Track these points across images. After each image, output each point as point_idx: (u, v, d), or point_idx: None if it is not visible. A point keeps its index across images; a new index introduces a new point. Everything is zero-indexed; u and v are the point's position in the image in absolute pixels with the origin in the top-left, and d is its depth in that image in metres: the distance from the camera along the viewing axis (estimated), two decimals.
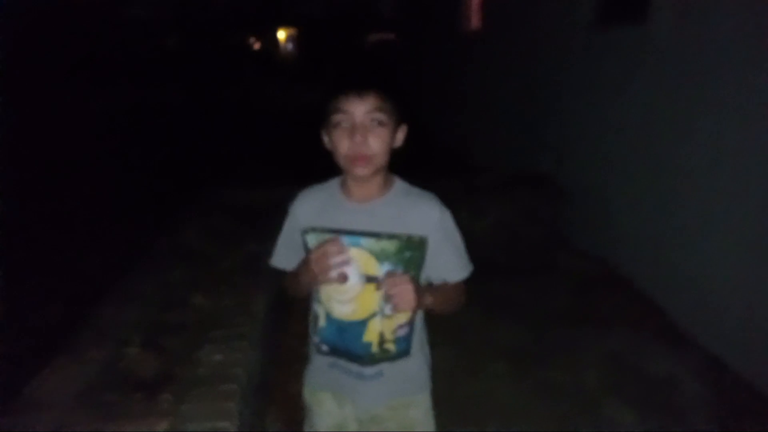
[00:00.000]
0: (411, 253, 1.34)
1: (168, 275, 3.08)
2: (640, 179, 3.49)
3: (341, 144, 1.30)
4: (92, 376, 2.19)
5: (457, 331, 2.88)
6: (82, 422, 1.94)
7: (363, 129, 1.28)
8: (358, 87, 1.29)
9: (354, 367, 1.42)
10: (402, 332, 1.41)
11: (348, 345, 1.38)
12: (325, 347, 1.44)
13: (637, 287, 3.52)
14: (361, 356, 1.39)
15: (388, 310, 1.33)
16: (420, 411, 1.53)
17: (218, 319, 2.52)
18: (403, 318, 1.38)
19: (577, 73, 4.17)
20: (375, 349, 1.39)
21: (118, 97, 12.75)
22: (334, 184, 1.44)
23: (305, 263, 1.35)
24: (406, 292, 1.27)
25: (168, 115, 11.33)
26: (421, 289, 1.34)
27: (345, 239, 1.33)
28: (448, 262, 1.42)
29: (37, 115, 9.68)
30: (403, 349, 1.43)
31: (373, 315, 1.36)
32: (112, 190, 6.21)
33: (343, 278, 1.32)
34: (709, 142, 2.84)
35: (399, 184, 1.43)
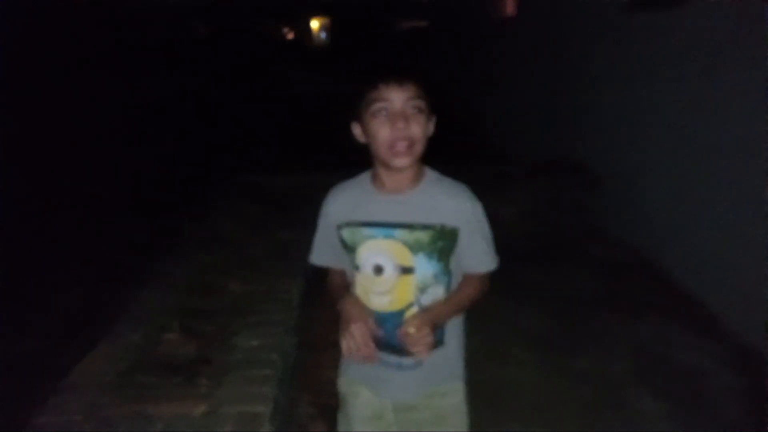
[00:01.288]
0: (444, 242, 1.36)
1: (200, 261, 3.15)
2: (672, 165, 3.44)
3: (381, 132, 1.30)
4: (132, 360, 2.27)
5: (484, 318, 2.86)
6: (120, 404, 2.03)
7: (404, 116, 1.29)
8: (398, 75, 1.30)
9: (393, 358, 1.44)
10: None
11: (385, 336, 1.40)
12: None
13: (668, 275, 3.47)
14: (400, 348, 1.41)
15: (410, 360, 1.41)
16: (455, 399, 1.55)
17: (252, 304, 2.58)
18: None
19: (609, 58, 4.11)
20: None
21: (149, 83, 12.90)
22: (364, 177, 1.46)
23: (342, 318, 1.38)
24: (426, 344, 1.32)
25: (199, 102, 11.43)
26: (438, 317, 1.38)
27: (378, 231, 1.36)
28: (478, 253, 1.43)
29: (69, 102, 9.86)
30: (438, 339, 1.44)
31: (409, 305, 1.39)
32: (144, 177, 6.31)
33: (379, 270, 1.35)
34: (745, 127, 2.78)
35: (430, 174, 1.44)
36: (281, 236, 3.37)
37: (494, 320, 3.04)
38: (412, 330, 1.31)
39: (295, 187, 4.11)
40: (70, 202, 5.43)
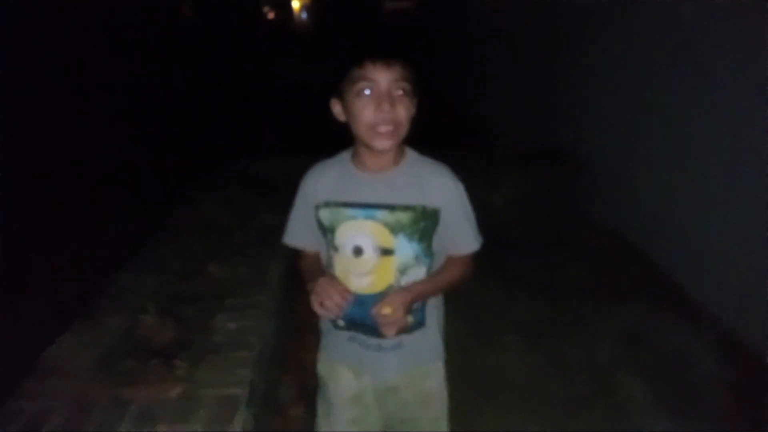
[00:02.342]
0: (425, 223, 1.33)
1: (185, 245, 3.11)
2: (660, 153, 3.42)
3: (364, 113, 1.25)
4: (109, 343, 2.24)
5: (472, 305, 2.86)
6: (98, 388, 1.99)
7: (390, 97, 1.24)
8: (387, 55, 1.25)
9: (372, 339, 1.41)
10: (417, 304, 1.40)
11: (366, 318, 1.37)
12: (341, 322, 1.44)
13: (655, 262, 3.46)
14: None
15: (390, 342, 1.39)
16: (436, 380, 1.54)
17: (233, 288, 2.55)
18: None
19: (599, 45, 4.07)
20: None
21: (133, 68, 12.73)
22: (344, 157, 1.42)
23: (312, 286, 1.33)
24: (398, 324, 1.30)
25: (184, 87, 11.32)
26: (416, 297, 1.35)
27: (359, 212, 1.32)
28: (462, 234, 1.41)
29: (52, 87, 9.74)
30: (419, 320, 1.43)
31: (389, 287, 1.36)
32: (130, 162, 6.25)
33: (358, 252, 1.32)
34: (736, 118, 2.76)
35: (411, 154, 1.40)
36: (267, 221, 3.34)
37: (484, 307, 3.04)
38: (387, 310, 1.27)
39: (282, 172, 4.02)
40: (57, 188, 5.37)
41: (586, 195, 4.24)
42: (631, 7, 3.69)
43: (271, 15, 28.16)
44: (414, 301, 1.34)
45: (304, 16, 28.25)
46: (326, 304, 1.26)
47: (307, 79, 11.38)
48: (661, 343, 2.74)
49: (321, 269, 1.45)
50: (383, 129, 1.25)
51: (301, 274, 1.52)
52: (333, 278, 1.35)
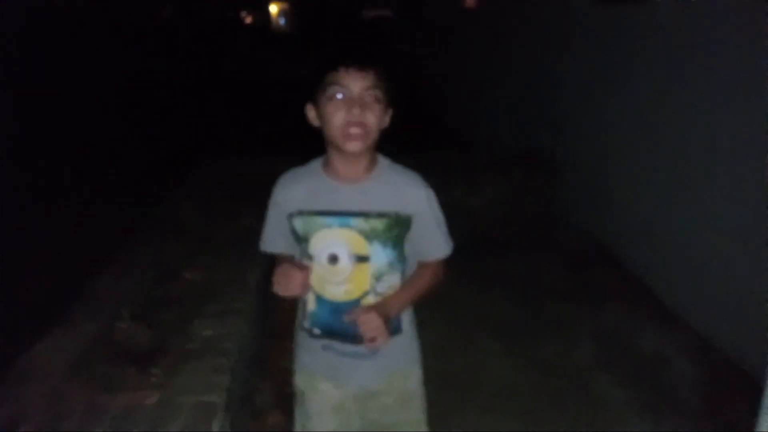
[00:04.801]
0: (398, 230, 1.35)
1: (162, 248, 3.08)
2: (636, 159, 3.48)
3: (336, 116, 1.26)
4: (85, 348, 2.21)
5: (450, 306, 2.89)
6: (74, 393, 1.97)
7: (361, 103, 1.26)
8: (361, 62, 1.27)
9: (349, 347, 1.41)
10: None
11: (342, 325, 1.38)
12: (317, 330, 1.44)
13: (628, 266, 3.53)
14: (357, 335, 1.38)
15: (366, 348, 1.37)
16: (414, 382, 1.55)
17: (211, 292, 2.53)
18: None
19: (577, 51, 4.12)
20: None
21: (110, 68, 12.52)
22: (315, 165, 1.42)
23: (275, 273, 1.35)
24: (380, 330, 1.30)
25: (162, 87, 11.18)
26: (392, 310, 1.37)
27: (334, 220, 1.33)
28: (434, 239, 1.42)
29: (31, 88, 9.56)
30: (396, 326, 1.44)
31: (365, 294, 1.37)
32: (106, 162, 6.15)
33: (334, 260, 1.33)
34: (709, 124, 2.82)
35: (383, 161, 1.41)
36: (244, 223, 3.32)
37: (461, 308, 3.06)
38: (363, 319, 1.30)
39: (260, 174, 4.01)
40: (30, 188, 5.26)
41: (564, 198, 4.30)
42: (607, 14, 3.75)
43: (248, 19, 27.89)
44: (389, 314, 1.35)
45: (281, 21, 28.03)
46: (289, 287, 1.30)
47: (282, 81, 11.35)
48: (636, 344, 2.79)
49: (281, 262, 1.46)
50: (353, 131, 1.26)
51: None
52: (292, 261, 1.38)
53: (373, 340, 1.31)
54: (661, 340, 2.80)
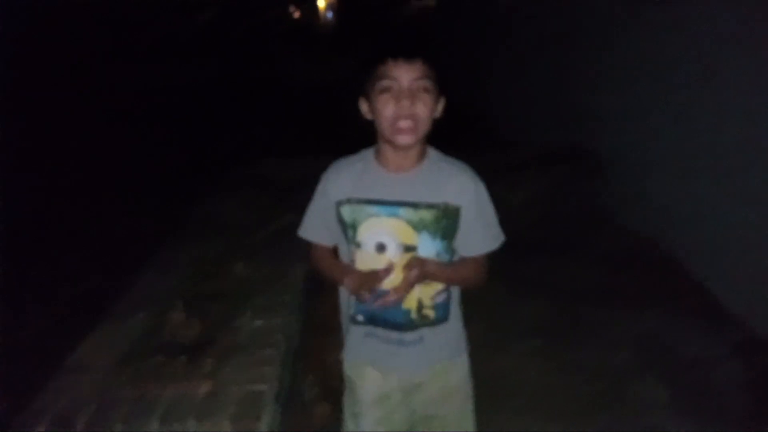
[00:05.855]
0: (447, 221, 1.36)
1: (205, 246, 3.13)
2: (683, 152, 3.38)
3: (386, 109, 1.28)
4: (136, 341, 2.26)
5: (488, 307, 2.82)
6: (125, 384, 2.02)
7: (411, 94, 1.27)
8: (407, 53, 1.28)
9: (393, 334, 1.43)
10: (440, 299, 1.43)
11: (387, 313, 1.39)
12: (360, 317, 1.45)
13: (678, 264, 3.40)
14: (401, 323, 1.41)
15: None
16: (460, 374, 1.56)
17: (256, 287, 2.57)
18: (440, 285, 1.41)
19: (619, 41, 4.04)
20: (414, 315, 1.41)
21: (153, 72, 12.84)
22: (367, 154, 1.43)
23: (347, 275, 1.39)
24: (413, 276, 1.33)
25: (203, 90, 11.39)
26: (430, 267, 1.37)
27: (382, 209, 1.34)
28: (481, 232, 1.42)
29: (72, 93, 9.85)
30: (442, 315, 1.45)
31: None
32: (149, 165, 6.31)
33: (381, 248, 1.34)
34: (750, 119, 2.74)
35: (433, 153, 1.42)
36: (285, 221, 3.35)
37: (499, 309, 3.00)
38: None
39: (300, 173, 4.07)
40: (75, 191, 5.43)
41: (607, 195, 4.21)
42: (652, 5, 3.68)
43: (296, 14, 28.12)
44: (427, 275, 1.36)
45: (329, 15, 28.15)
46: (363, 295, 1.35)
47: (325, 80, 11.40)
48: (680, 347, 2.69)
49: (339, 262, 1.48)
50: (403, 124, 1.27)
51: (314, 263, 1.56)
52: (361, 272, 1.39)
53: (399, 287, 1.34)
54: (710, 343, 2.68)
